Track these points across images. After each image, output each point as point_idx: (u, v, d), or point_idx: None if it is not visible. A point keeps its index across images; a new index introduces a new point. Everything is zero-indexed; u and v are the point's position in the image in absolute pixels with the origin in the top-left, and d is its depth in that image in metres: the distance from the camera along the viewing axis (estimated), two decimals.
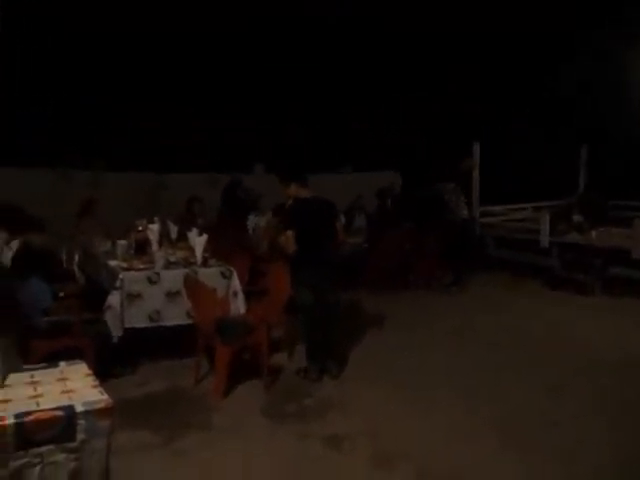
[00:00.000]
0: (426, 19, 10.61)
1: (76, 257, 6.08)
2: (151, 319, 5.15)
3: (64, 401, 2.53)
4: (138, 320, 5.10)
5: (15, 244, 4.84)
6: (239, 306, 5.45)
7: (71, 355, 3.36)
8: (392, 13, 10.47)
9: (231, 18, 9.96)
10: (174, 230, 6.25)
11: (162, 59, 9.86)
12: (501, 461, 3.84)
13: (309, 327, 5.23)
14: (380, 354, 5.83)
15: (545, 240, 9.09)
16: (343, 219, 8.06)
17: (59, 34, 8.76)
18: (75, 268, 6.03)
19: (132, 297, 5.07)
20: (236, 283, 5.48)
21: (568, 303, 7.98)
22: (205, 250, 5.58)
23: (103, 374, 4.41)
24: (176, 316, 5.23)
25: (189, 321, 5.21)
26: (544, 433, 4.23)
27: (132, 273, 5.16)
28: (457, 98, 11.50)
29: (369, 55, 11.08)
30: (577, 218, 9.50)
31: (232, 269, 5.51)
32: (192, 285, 5.03)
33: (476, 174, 10.57)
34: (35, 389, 2.66)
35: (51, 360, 3.12)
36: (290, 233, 4.99)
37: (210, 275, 5.40)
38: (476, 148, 10.56)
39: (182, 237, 6.14)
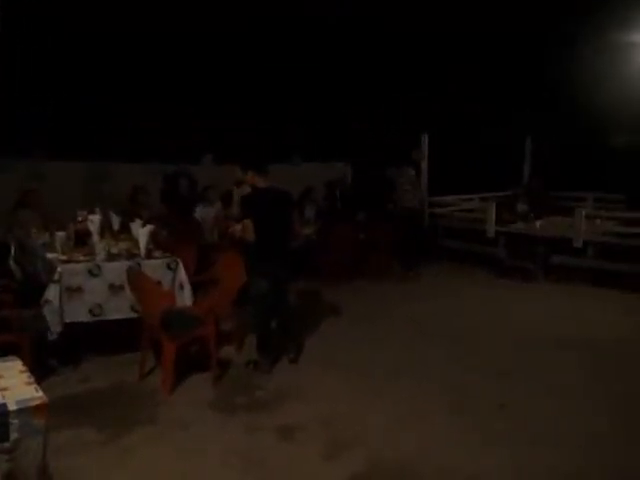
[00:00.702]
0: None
1: (12, 250, 5.78)
2: (92, 313, 4.94)
3: None
4: (78, 314, 4.89)
5: None
6: (185, 298, 5.29)
7: (7, 352, 3.17)
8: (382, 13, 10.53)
9: (228, 17, 9.81)
10: (117, 221, 6.03)
11: (155, 59, 9.67)
12: (451, 445, 3.87)
13: (261, 317, 5.16)
14: (332, 344, 5.79)
15: (491, 230, 9.28)
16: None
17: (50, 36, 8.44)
18: (11, 262, 5.73)
19: (72, 291, 4.84)
20: (182, 274, 5.32)
21: (514, 290, 8.17)
22: (149, 242, 5.39)
23: (42, 371, 4.26)
24: (119, 310, 5.03)
25: (133, 315, 5.03)
26: (493, 416, 4.28)
27: (71, 265, 4.93)
28: (408, 91, 11.57)
29: (363, 55, 11.08)
30: (522, 208, 9.75)
31: (178, 260, 5.34)
32: (136, 278, 4.85)
33: (424, 165, 10.67)
34: None
35: None
36: (248, 222, 4.96)
37: (155, 267, 5.23)
38: (424, 139, 10.66)
39: (126, 229, 5.93)
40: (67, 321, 4.83)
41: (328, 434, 3.99)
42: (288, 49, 10.59)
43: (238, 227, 5.09)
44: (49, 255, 5.24)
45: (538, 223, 9.19)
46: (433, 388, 4.75)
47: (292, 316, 5.57)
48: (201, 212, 7.32)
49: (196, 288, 5.59)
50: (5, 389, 2.49)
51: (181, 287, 5.32)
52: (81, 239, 5.62)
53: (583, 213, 8.60)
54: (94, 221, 5.45)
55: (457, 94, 11.72)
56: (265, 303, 5.08)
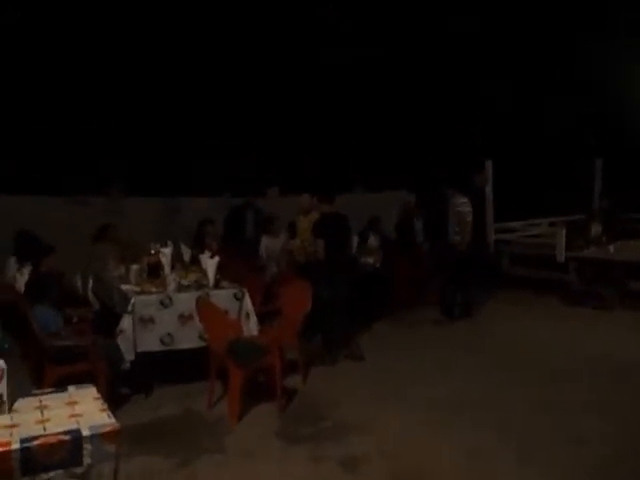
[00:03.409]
0: (434, 43, 10.75)
1: (90, 282, 6.11)
2: (163, 343, 5.14)
3: (71, 425, 2.51)
4: (150, 344, 5.09)
5: (27, 270, 4.88)
6: (252, 328, 5.42)
7: (84, 380, 3.35)
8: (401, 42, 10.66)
9: (242, 47, 10.16)
10: (187, 253, 6.27)
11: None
12: None
13: (325, 320, 5.93)
14: (397, 377, 5.73)
15: (561, 255, 8.98)
16: (357, 239, 8.12)
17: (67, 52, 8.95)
18: (89, 293, 6.05)
19: (144, 321, 5.06)
20: (248, 304, 5.47)
21: (588, 318, 7.86)
22: (217, 272, 5.57)
23: (115, 399, 4.45)
24: (188, 339, 5.21)
25: (202, 344, 5.19)
26: (568, 451, 4.12)
27: (144, 297, 5.16)
28: (468, 117, 11.50)
29: (425, 83, 11.17)
30: (595, 232, 9.40)
31: (244, 290, 5.49)
32: (204, 307, 5.02)
33: (489, 190, 10.49)
34: (42, 413, 2.64)
35: (64, 385, 3.10)
36: (321, 241, 5.94)
37: (222, 297, 5.40)
38: (488, 165, 10.51)
39: (196, 260, 6.15)
40: (139, 350, 5.04)
41: (393, 468, 3.95)
42: (347, 81, 10.76)
43: (307, 246, 6.18)
44: (124, 287, 5.51)
45: (612, 247, 8.84)
46: (500, 424, 4.60)
47: (349, 321, 6.27)
48: (267, 242, 7.47)
49: (262, 318, 5.72)
50: (79, 415, 2.63)
51: (247, 317, 5.47)
52: (154, 271, 5.86)
53: None
54: (166, 254, 5.70)
55: (519, 115, 11.56)
56: (325, 310, 5.82)
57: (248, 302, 5.48)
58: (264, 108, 10.42)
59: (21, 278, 5.15)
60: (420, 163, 11.30)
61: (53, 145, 8.89)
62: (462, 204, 7.81)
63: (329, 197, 6.28)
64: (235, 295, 5.47)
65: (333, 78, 10.68)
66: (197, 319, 5.10)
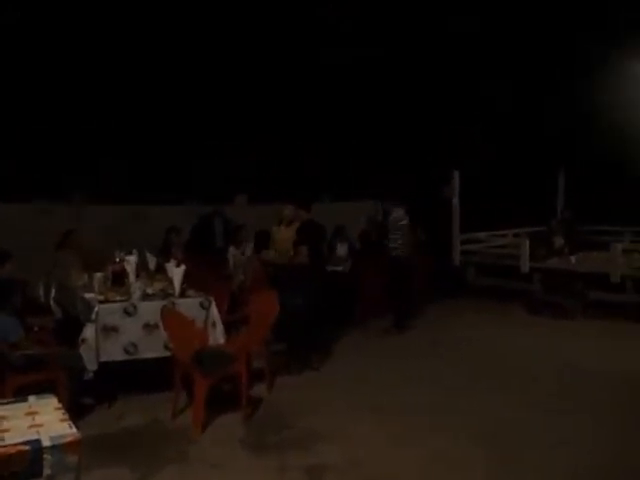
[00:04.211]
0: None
1: (52, 291, 5.99)
2: (127, 352, 5.06)
3: (31, 435, 2.47)
4: (114, 353, 5.01)
5: None
6: (218, 337, 5.38)
7: (45, 390, 3.28)
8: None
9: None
10: (152, 261, 6.20)
11: (190, 100, 9.97)
12: None
13: (296, 328, 6.00)
14: (364, 384, 5.77)
15: (525, 265, 9.17)
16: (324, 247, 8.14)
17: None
18: (51, 302, 5.93)
19: (108, 330, 4.98)
20: (215, 313, 5.43)
21: (550, 327, 8.04)
22: (183, 281, 5.52)
23: (77, 409, 4.37)
24: (153, 349, 5.13)
25: (167, 353, 5.12)
26: (538, 455, 4.19)
27: (107, 305, 5.08)
28: (435, 127, 11.65)
29: (391, 92, 11.24)
30: (557, 243, 9.62)
31: (211, 299, 5.46)
32: (169, 316, 4.96)
33: (456, 201, 10.67)
34: (1, 424, 2.59)
35: (25, 394, 3.04)
36: (304, 247, 6.11)
37: (188, 306, 5.34)
38: (455, 175, 10.68)
39: (161, 269, 6.09)
40: (102, 360, 4.95)
41: (359, 476, 3.96)
42: (317, 87, 10.81)
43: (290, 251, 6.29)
44: (87, 295, 5.41)
45: (573, 258, 9.06)
46: (469, 431, 4.65)
47: (319, 329, 6.39)
48: (234, 251, 7.44)
49: (229, 327, 5.69)
50: (40, 425, 2.59)
51: (214, 325, 5.43)
52: (118, 279, 5.79)
53: (620, 247, 8.46)
54: (130, 262, 5.63)
55: (486, 129, 11.75)
56: (302, 315, 6.00)
57: (214, 311, 5.44)
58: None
59: None
60: (389, 172, 11.39)
61: (23, 153, 8.76)
62: (402, 217, 7.88)
63: (307, 205, 6.53)
64: (201, 304, 5.43)
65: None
66: (162, 328, 5.04)
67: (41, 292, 6.21)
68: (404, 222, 7.85)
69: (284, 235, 6.66)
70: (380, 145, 11.58)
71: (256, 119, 10.49)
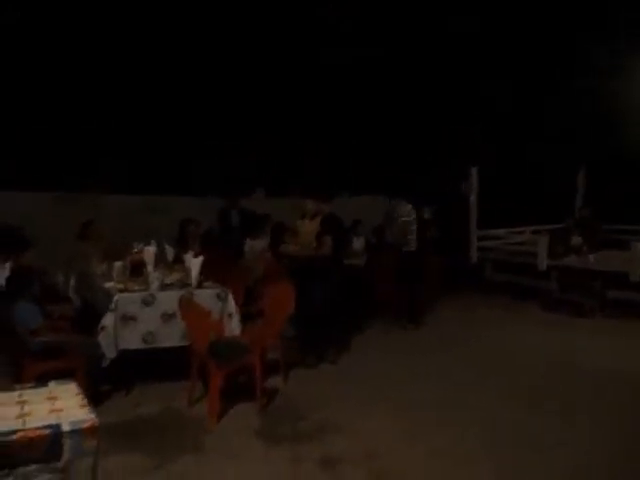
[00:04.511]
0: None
1: (72, 280, 6.07)
2: (145, 341, 5.13)
3: (51, 420, 2.51)
4: (132, 342, 5.08)
5: (8, 265, 4.85)
6: (234, 328, 5.43)
7: (64, 376, 3.34)
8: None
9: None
10: (171, 252, 6.25)
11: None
12: None
13: (313, 321, 6.10)
14: (379, 377, 5.79)
15: (543, 263, 9.09)
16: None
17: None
18: (70, 290, 6.01)
19: (126, 319, 5.05)
20: (231, 305, 5.47)
21: (567, 325, 7.97)
22: (201, 272, 5.57)
23: (95, 396, 4.44)
24: (171, 338, 5.20)
25: (183, 343, 5.18)
26: (542, 454, 4.18)
27: (127, 294, 5.16)
28: (454, 124, 11.58)
29: (412, 89, 11.21)
30: (575, 241, 9.52)
31: (227, 291, 5.50)
32: (187, 306, 5.02)
33: (474, 198, 10.61)
34: (22, 408, 2.63)
35: (45, 381, 3.09)
36: (328, 238, 6.17)
37: (205, 297, 5.40)
38: (474, 172, 10.61)
39: (179, 259, 6.14)
40: (121, 348, 5.03)
41: (371, 466, 3.99)
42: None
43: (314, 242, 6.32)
44: (106, 285, 5.49)
45: (592, 257, 8.96)
46: (476, 427, 4.65)
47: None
48: (251, 244, 7.48)
49: (245, 319, 5.73)
50: (60, 410, 2.62)
51: (230, 317, 5.47)
52: (137, 269, 5.85)
53: None
54: (149, 252, 5.69)
55: (506, 125, 11.66)
56: (318, 309, 6.10)
57: (231, 302, 5.49)
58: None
59: (2, 272, 5.10)
60: (407, 168, 11.35)
61: (46, 143, 8.85)
62: (407, 213, 7.83)
63: (329, 199, 6.66)
64: (218, 295, 5.48)
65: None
66: (179, 318, 5.10)
67: (61, 281, 6.29)
68: (411, 218, 7.80)
69: (308, 228, 6.69)
70: (392, 142, 11.55)
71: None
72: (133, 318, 5.09)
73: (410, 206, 7.84)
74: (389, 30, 10.71)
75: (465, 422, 4.73)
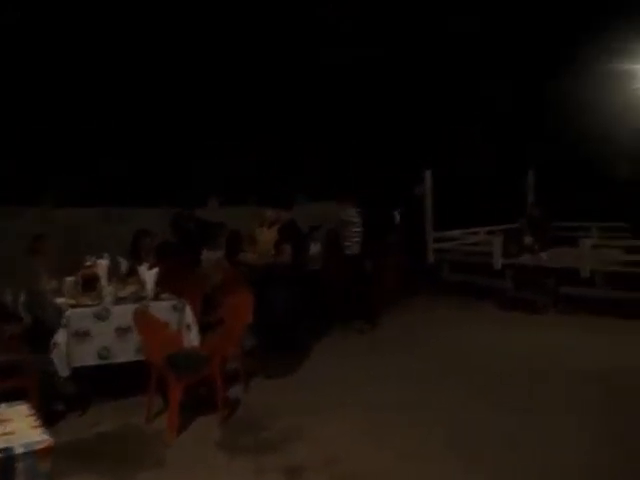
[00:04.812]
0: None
1: (22, 297, 5.87)
2: (100, 357, 4.99)
3: (2, 443, 2.42)
4: (86, 358, 4.94)
5: None
6: (192, 339, 5.34)
7: (16, 396, 3.22)
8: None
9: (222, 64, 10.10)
10: (125, 265, 6.12)
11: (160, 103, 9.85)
12: None
13: (274, 329, 6.16)
14: (338, 382, 5.78)
15: (498, 262, 9.30)
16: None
17: None
18: (20, 308, 5.82)
19: (79, 335, 4.90)
20: (189, 316, 5.39)
21: (523, 322, 8.16)
22: (156, 284, 5.47)
23: (49, 415, 4.30)
24: (127, 352, 5.08)
25: (140, 357, 5.07)
26: (508, 452, 4.22)
27: (79, 310, 5.01)
28: (406, 128, 11.74)
29: (366, 92, 11.26)
30: (527, 240, 9.77)
31: (184, 302, 5.41)
32: (142, 319, 4.91)
33: (428, 201, 10.77)
34: None
35: None
36: (287, 246, 6.16)
37: (162, 309, 5.29)
38: (427, 175, 10.78)
39: (134, 272, 6.02)
40: (75, 365, 4.88)
41: (334, 472, 3.97)
42: (289, 90, 10.81)
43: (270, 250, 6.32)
44: (58, 300, 5.33)
45: (544, 254, 9.20)
46: (442, 426, 4.69)
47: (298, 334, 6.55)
48: (207, 253, 7.39)
49: (204, 329, 5.65)
50: (11, 433, 2.53)
51: (188, 328, 5.38)
52: (89, 284, 5.70)
53: (589, 243, 8.62)
54: (102, 266, 5.55)
55: (459, 129, 11.88)
56: (278, 317, 6.13)
57: (189, 313, 5.40)
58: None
59: None
60: (362, 172, 11.44)
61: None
62: (351, 216, 7.94)
63: (288, 206, 6.68)
64: (175, 307, 5.38)
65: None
66: (135, 332, 4.99)
67: (9, 298, 6.08)
68: (355, 220, 7.92)
69: (267, 237, 6.66)
70: (354, 146, 11.62)
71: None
72: (87, 334, 4.94)
73: (354, 210, 7.95)
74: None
75: (428, 422, 4.76)
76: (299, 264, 6.53)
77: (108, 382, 5.24)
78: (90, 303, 5.17)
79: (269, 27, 10.19)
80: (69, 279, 5.54)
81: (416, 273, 10.01)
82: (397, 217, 9.18)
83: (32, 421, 2.70)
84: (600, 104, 10.78)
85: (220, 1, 9.84)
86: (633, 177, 10.97)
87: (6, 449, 2.37)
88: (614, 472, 3.93)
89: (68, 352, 4.83)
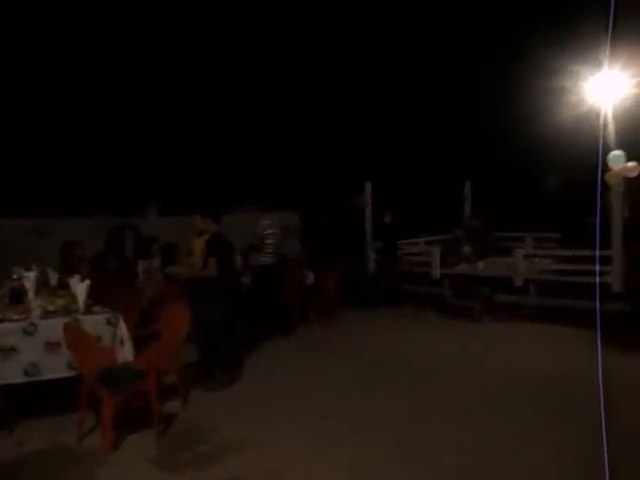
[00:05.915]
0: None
1: None
2: (27, 373, 4.76)
3: None
4: (12, 376, 4.70)
5: None
6: (127, 354, 5.15)
7: None
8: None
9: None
10: (54, 277, 5.90)
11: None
12: None
13: (214, 343, 5.90)
14: (277, 393, 5.74)
15: (436, 272, 9.49)
16: (239, 259, 8.05)
17: None
18: None
19: (5, 351, 4.67)
20: (123, 330, 5.20)
21: (460, 329, 8.37)
22: (89, 297, 5.27)
23: None
24: (56, 369, 4.85)
25: (71, 373, 4.86)
26: (450, 456, 4.25)
27: (5, 325, 4.77)
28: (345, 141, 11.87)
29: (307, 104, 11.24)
30: (466, 250, 9.99)
31: (118, 315, 5.23)
32: (72, 334, 4.72)
33: (369, 212, 10.88)
34: None
35: None
36: (213, 260, 5.81)
37: (94, 323, 5.10)
38: (368, 187, 10.90)
39: (64, 285, 5.80)
40: (0, 383, 4.64)
41: None
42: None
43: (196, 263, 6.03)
44: None
45: (480, 264, 9.43)
46: (385, 434, 4.70)
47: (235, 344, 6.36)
48: (144, 265, 7.23)
49: (139, 342, 5.48)
50: None
51: (122, 343, 5.20)
52: (17, 297, 5.47)
53: (522, 253, 8.90)
54: (30, 278, 5.33)
55: (397, 142, 12.10)
56: (222, 331, 5.90)
57: (123, 327, 5.21)
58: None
59: None
60: (304, 182, 11.50)
61: None
62: (264, 227, 7.98)
63: (215, 217, 6.29)
64: (108, 320, 5.19)
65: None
66: (65, 347, 4.78)
67: None
68: (271, 231, 7.96)
69: (198, 247, 6.54)
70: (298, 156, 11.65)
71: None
72: (13, 349, 4.71)
73: (268, 222, 8.00)
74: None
75: (370, 430, 4.77)
76: (229, 278, 6.24)
77: (37, 399, 5.02)
78: (16, 317, 4.93)
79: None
80: None
81: (356, 283, 10.08)
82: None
83: None
84: (536, 120, 11.19)
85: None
86: (564, 189, 11.42)
87: None
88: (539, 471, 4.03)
89: None
